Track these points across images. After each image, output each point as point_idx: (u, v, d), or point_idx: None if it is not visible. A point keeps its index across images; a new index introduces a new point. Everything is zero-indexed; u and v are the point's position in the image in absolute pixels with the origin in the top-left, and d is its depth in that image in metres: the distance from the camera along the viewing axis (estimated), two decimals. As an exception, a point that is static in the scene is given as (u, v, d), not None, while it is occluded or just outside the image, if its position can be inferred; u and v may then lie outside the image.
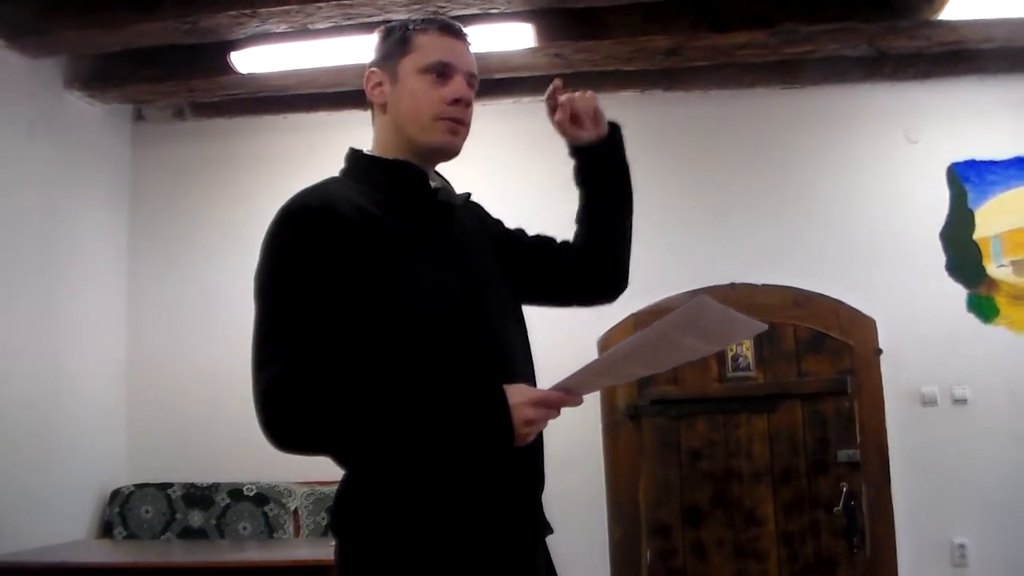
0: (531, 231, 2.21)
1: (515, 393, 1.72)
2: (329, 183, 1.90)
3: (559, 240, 2.22)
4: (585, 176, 2.21)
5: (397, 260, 1.78)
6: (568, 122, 2.15)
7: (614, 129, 2.21)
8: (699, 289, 4.89)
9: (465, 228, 1.99)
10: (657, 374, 4.95)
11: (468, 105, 1.94)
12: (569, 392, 1.76)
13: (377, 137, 1.99)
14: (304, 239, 1.73)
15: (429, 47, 1.92)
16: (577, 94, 2.15)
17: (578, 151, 2.19)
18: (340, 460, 1.81)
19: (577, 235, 2.22)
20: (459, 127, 1.93)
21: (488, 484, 1.79)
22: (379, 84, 1.96)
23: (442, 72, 1.91)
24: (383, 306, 1.74)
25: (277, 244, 1.76)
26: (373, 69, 1.97)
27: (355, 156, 1.99)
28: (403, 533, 1.74)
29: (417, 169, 1.93)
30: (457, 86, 1.91)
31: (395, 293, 1.75)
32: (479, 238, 2.02)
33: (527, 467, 1.88)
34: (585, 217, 2.21)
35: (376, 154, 1.97)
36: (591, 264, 2.19)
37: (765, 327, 1.79)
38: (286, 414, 1.66)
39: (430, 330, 1.78)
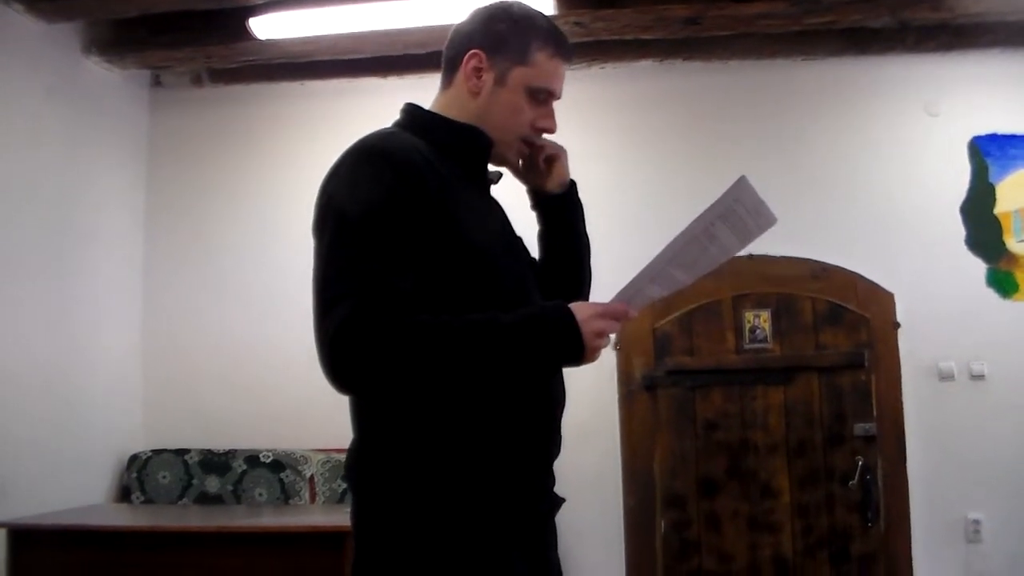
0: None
1: (580, 309, 1.76)
2: (394, 132, 1.92)
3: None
4: (543, 227, 2.18)
5: (453, 206, 1.80)
6: (538, 166, 2.10)
7: (572, 186, 2.17)
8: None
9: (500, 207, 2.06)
10: (674, 345, 4.98)
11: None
12: (627, 304, 1.82)
13: (449, 105, 1.99)
14: (379, 179, 1.74)
15: (544, 69, 1.96)
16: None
17: (539, 203, 2.17)
18: (397, 393, 1.77)
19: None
20: (527, 148, 2.03)
21: (508, 440, 1.81)
22: (480, 70, 1.95)
23: (544, 98, 1.97)
24: (443, 246, 1.76)
25: (351, 182, 1.76)
26: (479, 53, 1.94)
27: (419, 112, 2.00)
28: (421, 489, 1.74)
29: (487, 139, 1.96)
30: (549, 117, 2.00)
31: (453, 233, 1.78)
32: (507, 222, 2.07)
33: (546, 427, 1.90)
34: (543, 261, 2.17)
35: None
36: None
37: (776, 220, 1.89)
38: (356, 358, 1.64)
39: (485, 264, 1.82)
